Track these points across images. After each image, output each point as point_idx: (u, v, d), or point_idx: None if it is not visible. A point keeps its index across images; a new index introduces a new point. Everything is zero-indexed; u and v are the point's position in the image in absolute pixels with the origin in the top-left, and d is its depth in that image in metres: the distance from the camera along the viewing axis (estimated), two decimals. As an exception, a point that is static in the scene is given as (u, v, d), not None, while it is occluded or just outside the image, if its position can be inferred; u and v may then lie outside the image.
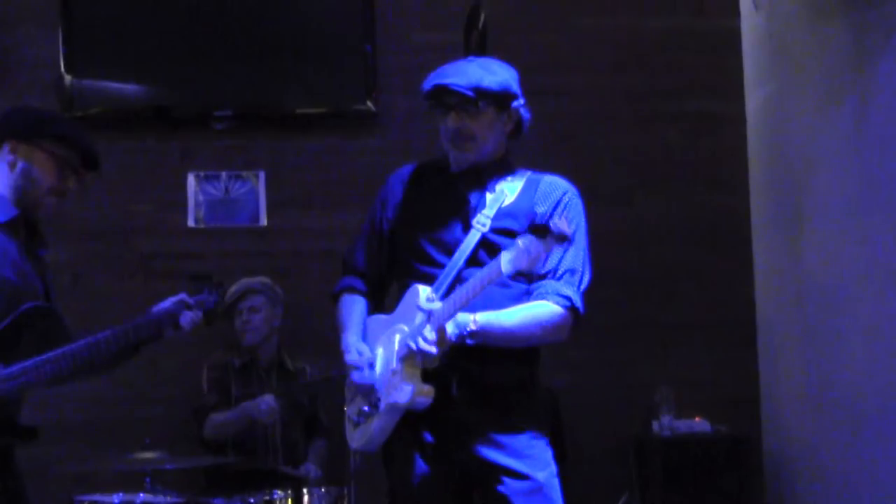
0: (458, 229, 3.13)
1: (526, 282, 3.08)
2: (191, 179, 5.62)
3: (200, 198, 5.59)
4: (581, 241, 3.12)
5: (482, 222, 3.09)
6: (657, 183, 5.84)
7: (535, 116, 3.24)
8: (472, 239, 3.08)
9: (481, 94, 3.06)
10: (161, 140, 5.61)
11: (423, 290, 3.05)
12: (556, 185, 3.17)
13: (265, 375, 5.09)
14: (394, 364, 3.06)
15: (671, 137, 5.86)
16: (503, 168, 3.21)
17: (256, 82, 5.56)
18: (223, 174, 5.62)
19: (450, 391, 3.04)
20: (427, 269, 3.13)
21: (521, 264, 2.76)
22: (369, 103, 5.61)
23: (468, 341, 2.96)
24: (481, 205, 3.13)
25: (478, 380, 3.05)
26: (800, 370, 5.28)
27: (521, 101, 3.17)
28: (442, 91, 3.07)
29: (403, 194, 3.26)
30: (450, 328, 2.94)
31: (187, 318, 3.28)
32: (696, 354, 5.75)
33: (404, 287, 3.17)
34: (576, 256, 3.09)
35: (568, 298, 3.05)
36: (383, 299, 3.35)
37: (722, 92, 5.87)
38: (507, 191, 3.13)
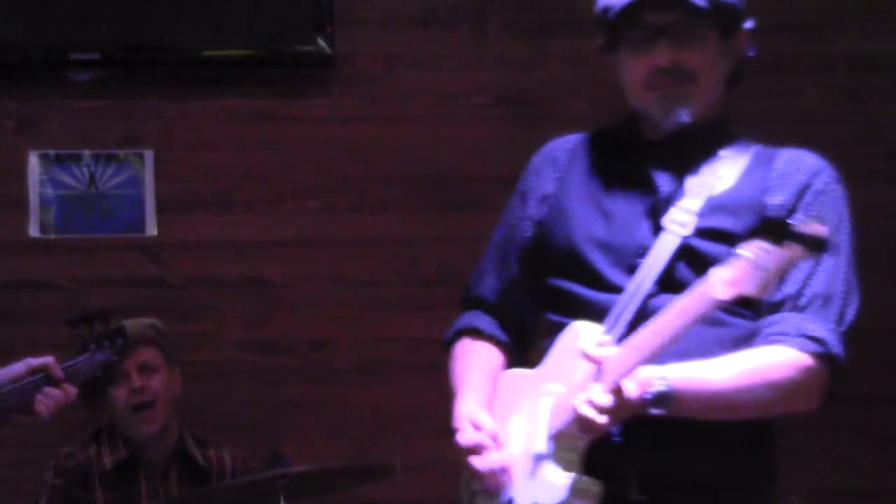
0: (642, 231, 3.05)
1: (752, 315, 2.97)
2: (33, 162, 5.55)
3: (50, 191, 5.56)
4: (843, 249, 2.99)
5: (681, 220, 3.01)
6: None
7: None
8: (666, 246, 2.98)
9: (717, 6, 2.99)
10: (-15, 99, 5.51)
11: (589, 330, 2.96)
12: (801, 163, 3.05)
13: (160, 478, 4.84)
14: (541, 445, 2.96)
15: None
16: (719, 136, 3.12)
17: (140, 9, 5.50)
18: (86, 154, 5.54)
19: (626, 495, 2.92)
20: (596, 295, 3.03)
21: (746, 286, 2.62)
22: (321, 41, 5.50)
23: (653, 410, 2.83)
24: (679, 192, 3.05)
25: (671, 477, 2.93)
26: None
27: (751, 22, 3.10)
28: (651, 4, 2.97)
29: (559, 179, 3.22)
30: (629, 387, 2.80)
31: (49, 399, 3.33)
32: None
33: (558, 328, 3.07)
34: (834, 274, 2.97)
35: (821, 342, 2.90)
36: (526, 347, 3.28)
37: None
38: (722, 171, 3.06)
